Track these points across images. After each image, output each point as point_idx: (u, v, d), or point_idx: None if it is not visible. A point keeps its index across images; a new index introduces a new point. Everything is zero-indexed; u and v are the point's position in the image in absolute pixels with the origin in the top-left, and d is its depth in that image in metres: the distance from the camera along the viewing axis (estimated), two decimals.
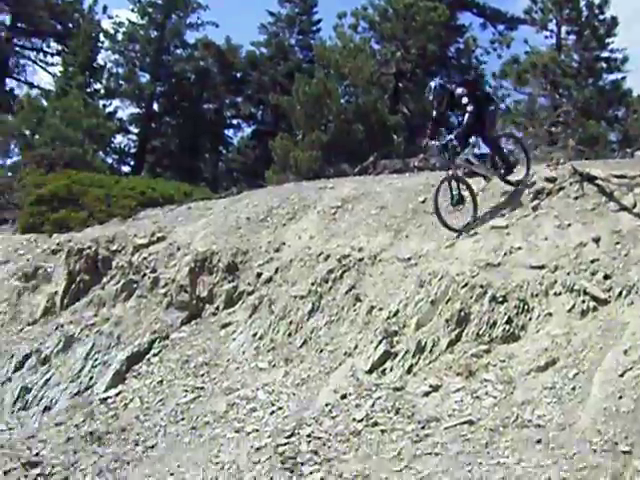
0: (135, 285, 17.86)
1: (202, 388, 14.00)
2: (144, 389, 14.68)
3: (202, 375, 14.41)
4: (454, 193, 15.03)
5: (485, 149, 15.62)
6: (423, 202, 16.14)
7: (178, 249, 18.02)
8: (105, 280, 18.71)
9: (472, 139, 15.38)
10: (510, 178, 15.48)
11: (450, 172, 15.09)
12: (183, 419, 13.20)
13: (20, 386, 16.27)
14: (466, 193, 15.13)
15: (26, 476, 12.91)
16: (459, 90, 15.23)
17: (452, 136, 15.05)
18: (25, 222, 25.08)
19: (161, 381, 14.73)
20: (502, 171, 15.44)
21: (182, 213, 21.18)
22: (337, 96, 30.21)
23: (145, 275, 17.88)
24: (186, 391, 14.05)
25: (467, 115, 14.93)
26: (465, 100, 15.01)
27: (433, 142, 15.46)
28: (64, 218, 23.91)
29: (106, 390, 15.13)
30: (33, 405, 15.74)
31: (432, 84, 15.78)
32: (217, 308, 16.37)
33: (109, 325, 17.07)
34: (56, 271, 20.22)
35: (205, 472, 11.15)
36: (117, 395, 14.82)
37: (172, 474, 11.43)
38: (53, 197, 25.15)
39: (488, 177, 15.61)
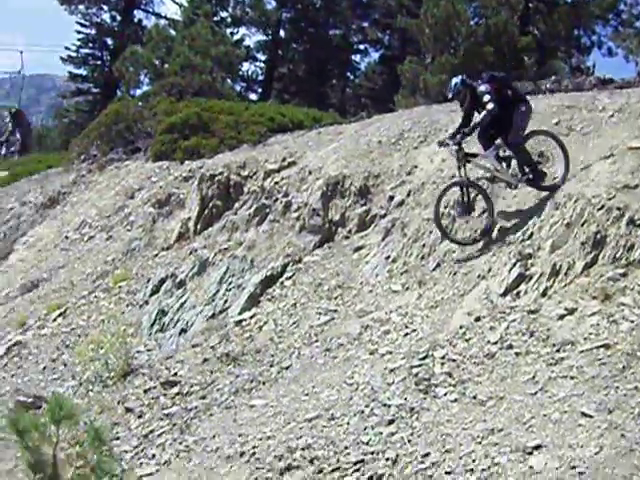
0: (267, 210, 18.09)
1: (335, 311, 14.15)
2: (278, 312, 14.93)
3: (335, 298, 14.57)
4: (464, 200, 14.19)
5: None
6: (557, 124, 15.72)
7: (309, 173, 18.13)
8: (237, 205, 19.03)
9: (497, 141, 14.22)
10: (545, 183, 14.19)
11: (460, 176, 14.19)
12: (317, 341, 13.39)
13: (157, 309, 16.80)
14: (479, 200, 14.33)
15: (165, 395, 13.38)
16: (482, 87, 14.00)
17: (459, 136, 14.12)
18: (157, 150, 25.61)
19: (295, 304, 14.95)
20: (530, 176, 14.05)
21: (312, 138, 21.26)
22: (466, 18, 29.65)
23: (277, 200, 18.08)
24: (319, 314, 14.22)
25: (483, 113, 13.80)
26: (487, 98, 13.80)
27: (448, 141, 14.36)
28: (195, 145, 24.34)
29: (240, 313, 15.46)
30: (170, 327, 16.21)
31: (453, 80, 14.57)
32: (350, 231, 16.47)
33: (242, 249, 17.38)
34: (188, 197, 20.66)
35: (339, 393, 11.27)
36: (251, 318, 15.13)
37: (307, 394, 11.60)
38: (184, 125, 25.63)
39: (513, 184, 14.29)
